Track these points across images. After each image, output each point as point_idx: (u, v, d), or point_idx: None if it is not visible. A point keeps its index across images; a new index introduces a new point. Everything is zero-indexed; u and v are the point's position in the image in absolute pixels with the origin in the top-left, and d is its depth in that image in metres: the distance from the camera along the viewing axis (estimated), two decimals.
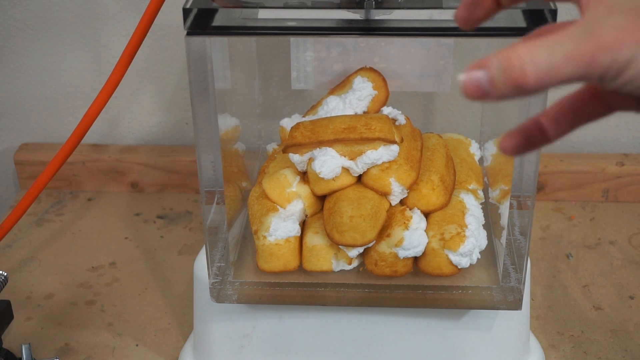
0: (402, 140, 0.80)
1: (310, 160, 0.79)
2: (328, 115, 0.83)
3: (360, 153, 0.78)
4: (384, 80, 0.86)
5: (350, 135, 0.78)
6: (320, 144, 0.78)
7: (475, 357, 0.84)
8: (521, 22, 0.69)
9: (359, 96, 0.84)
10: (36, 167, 1.19)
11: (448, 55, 0.88)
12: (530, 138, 0.47)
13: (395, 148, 0.78)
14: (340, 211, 0.77)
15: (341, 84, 0.88)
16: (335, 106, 0.84)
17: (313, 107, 0.90)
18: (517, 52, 0.40)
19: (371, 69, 0.87)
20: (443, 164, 0.83)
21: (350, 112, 0.84)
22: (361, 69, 0.87)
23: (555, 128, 0.47)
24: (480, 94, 0.41)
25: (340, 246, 0.79)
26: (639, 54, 0.39)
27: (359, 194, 0.78)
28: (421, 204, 0.81)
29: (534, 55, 0.40)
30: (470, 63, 0.42)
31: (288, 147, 0.80)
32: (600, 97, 0.46)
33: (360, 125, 0.78)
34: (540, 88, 0.40)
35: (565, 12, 1.08)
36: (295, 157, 0.81)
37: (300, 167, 0.81)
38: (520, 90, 0.40)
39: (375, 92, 0.85)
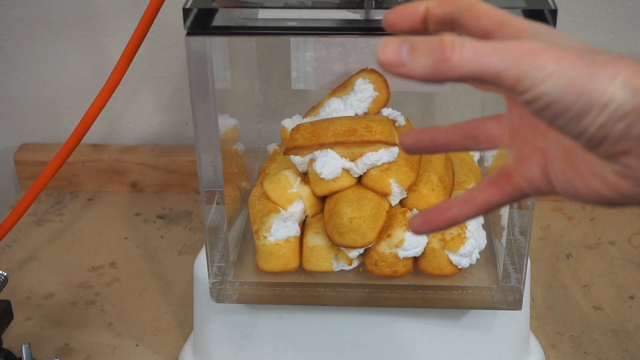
0: None
1: (311, 161, 0.79)
2: (329, 116, 0.83)
3: (361, 155, 0.78)
4: (385, 81, 0.86)
5: (350, 138, 0.78)
6: (321, 146, 0.78)
7: (475, 357, 0.84)
8: None
9: (360, 98, 0.84)
10: (36, 167, 1.19)
11: None
12: (422, 144, 0.49)
13: (395, 150, 0.78)
14: (340, 212, 0.77)
15: (342, 85, 0.88)
16: (336, 107, 0.84)
17: (314, 108, 0.90)
18: (451, 36, 0.40)
19: (372, 71, 0.87)
20: (442, 164, 0.83)
21: (351, 113, 0.84)
22: (362, 70, 0.87)
23: (443, 145, 0.49)
24: (396, 62, 0.40)
25: (340, 247, 0.79)
26: (558, 71, 0.39)
27: (359, 195, 0.78)
28: (421, 205, 0.81)
29: (465, 40, 0.39)
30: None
31: (289, 149, 0.80)
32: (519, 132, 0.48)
33: (360, 127, 0.78)
34: (461, 72, 0.39)
35: (565, 12, 1.08)
36: (296, 159, 0.81)
37: (301, 168, 0.81)
38: (441, 68, 0.39)
39: (377, 93, 0.85)
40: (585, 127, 0.40)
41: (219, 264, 0.81)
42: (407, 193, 0.80)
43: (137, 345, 0.93)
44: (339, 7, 0.72)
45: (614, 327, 0.94)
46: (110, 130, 1.22)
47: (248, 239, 0.87)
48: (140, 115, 1.20)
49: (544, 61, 0.40)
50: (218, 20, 0.70)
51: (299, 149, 0.80)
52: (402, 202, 0.82)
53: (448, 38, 0.39)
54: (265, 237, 0.79)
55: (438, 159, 0.83)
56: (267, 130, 1.08)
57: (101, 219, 1.15)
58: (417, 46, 0.40)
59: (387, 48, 0.40)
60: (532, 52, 0.40)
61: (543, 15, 0.68)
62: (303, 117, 0.90)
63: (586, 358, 0.90)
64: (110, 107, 1.18)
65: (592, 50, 0.42)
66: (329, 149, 0.78)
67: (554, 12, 0.68)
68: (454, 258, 0.79)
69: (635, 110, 0.39)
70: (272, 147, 0.95)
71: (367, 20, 0.71)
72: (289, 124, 0.90)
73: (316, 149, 0.79)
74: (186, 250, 1.08)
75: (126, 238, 1.11)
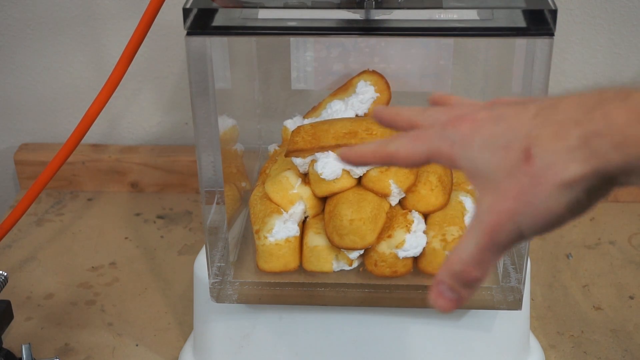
0: None
1: (312, 162, 0.79)
2: (331, 117, 0.83)
3: None
4: (386, 83, 0.86)
5: (351, 141, 0.78)
6: (322, 149, 0.78)
7: (475, 357, 0.84)
8: (521, 22, 0.69)
9: (362, 99, 0.84)
10: (36, 167, 1.19)
11: (448, 55, 0.88)
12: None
13: None
14: (340, 214, 0.77)
15: (344, 87, 0.88)
16: (338, 109, 0.84)
17: (314, 109, 0.90)
18: (450, 260, 0.48)
19: (374, 72, 0.87)
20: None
21: (351, 113, 0.84)
22: (364, 72, 0.87)
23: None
24: (454, 301, 0.49)
25: (340, 249, 0.79)
26: (519, 220, 0.45)
27: (359, 197, 0.78)
28: (420, 205, 0.81)
29: (460, 255, 0.48)
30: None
31: (290, 151, 0.80)
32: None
33: (361, 130, 0.78)
34: (483, 268, 0.47)
35: (565, 12, 1.08)
36: (297, 160, 0.81)
37: (302, 169, 0.81)
38: (473, 281, 0.48)
39: (378, 94, 0.85)
40: None
41: (219, 264, 0.81)
42: (406, 194, 0.80)
43: (137, 345, 0.93)
44: (339, 7, 0.72)
45: (614, 327, 0.94)
46: (110, 130, 1.22)
47: (248, 239, 0.87)
48: (140, 115, 1.20)
49: (502, 231, 0.47)
50: (218, 20, 0.70)
51: (299, 152, 0.80)
52: (402, 203, 0.82)
53: (456, 267, 0.48)
54: (265, 237, 0.79)
55: None
56: (267, 130, 1.08)
57: (101, 219, 1.15)
58: (448, 282, 0.49)
59: (439, 302, 0.49)
60: (493, 231, 0.46)
61: (543, 15, 0.68)
62: (304, 118, 0.90)
63: (586, 358, 0.90)
64: (110, 107, 1.18)
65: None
66: (329, 151, 0.78)
67: (554, 12, 0.68)
68: None
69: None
70: (272, 148, 0.95)
71: (367, 20, 0.71)
72: (290, 124, 0.90)
73: (317, 151, 0.79)
74: (186, 250, 1.08)
75: (126, 238, 1.11)
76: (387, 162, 0.52)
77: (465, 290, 0.49)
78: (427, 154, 0.50)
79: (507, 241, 0.46)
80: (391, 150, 0.51)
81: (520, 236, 0.46)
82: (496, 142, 0.46)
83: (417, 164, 0.51)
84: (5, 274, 0.84)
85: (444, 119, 0.50)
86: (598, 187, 0.43)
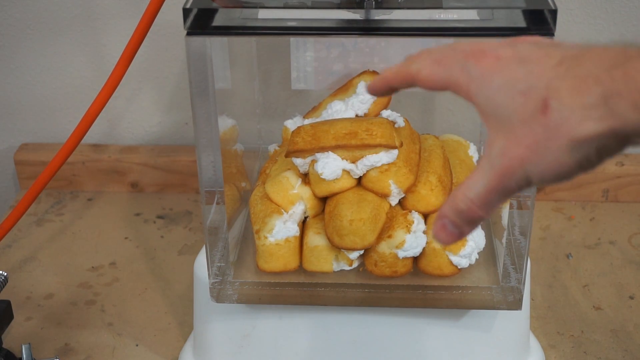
0: (401, 145, 0.80)
1: (313, 162, 0.79)
2: (331, 117, 0.83)
3: (361, 157, 0.78)
4: None
5: (351, 142, 0.78)
6: (322, 149, 0.78)
7: (475, 357, 0.84)
8: (521, 22, 0.69)
9: (362, 99, 0.85)
10: (36, 167, 1.19)
11: None
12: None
13: (395, 152, 0.78)
14: (340, 215, 0.77)
15: (344, 87, 0.88)
16: (338, 109, 0.84)
17: (315, 109, 0.90)
18: (456, 197, 0.49)
19: (374, 73, 0.87)
20: (440, 165, 0.83)
21: (351, 113, 0.84)
22: (364, 73, 0.87)
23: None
24: (456, 235, 0.50)
25: (340, 249, 0.79)
26: (529, 169, 0.45)
27: (359, 197, 0.78)
28: (420, 205, 0.81)
29: (467, 194, 0.49)
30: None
31: (290, 152, 0.80)
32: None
33: (361, 130, 0.78)
34: (488, 209, 0.49)
35: (565, 12, 1.08)
36: (297, 160, 0.81)
37: (303, 170, 0.81)
38: (475, 218, 0.49)
39: None
40: None
41: (219, 264, 0.81)
42: (406, 194, 0.80)
43: (137, 345, 0.93)
44: (339, 7, 0.72)
45: (614, 327, 0.94)
46: (110, 130, 1.22)
47: (248, 239, 0.87)
48: (140, 115, 1.20)
49: (514, 175, 0.48)
50: (218, 20, 0.70)
51: (300, 152, 0.80)
52: (402, 203, 0.82)
53: (461, 204, 0.49)
54: (266, 237, 0.79)
55: (437, 160, 0.83)
56: (267, 130, 1.08)
57: (101, 219, 1.15)
58: (450, 217, 0.50)
59: (439, 235, 0.51)
60: (505, 175, 0.47)
61: (543, 15, 0.69)
62: (304, 118, 0.90)
63: (586, 358, 0.90)
64: (110, 107, 1.18)
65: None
66: (330, 151, 0.78)
67: (554, 12, 0.68)
68: (454, 259, 0.79)
69: None
70: (272, 148, 0.95)
71: (367, 20, 0.71)
72: (291, 124, 0.90)
73: (317, 152, 0.79)
74: (186, 250, 1.08)
75: (126, 238, 1.11)
76: (410, 82, 0.52)
77: (467, 227, 0.50)
78: (445, 81, 0.50)
79: (515, 186, 0.47)
80: (412, 71, 0.51)
81: (528, 183, 0.47)
82: (516, 86, 0.46)
83: (436, 89, 0.51)
84: (5, 274, 0.84)
85: (468, 50, 0.49)
86: (610, 146, 0.43)
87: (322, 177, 0.78)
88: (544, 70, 0.45)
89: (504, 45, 0.48)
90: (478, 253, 0.80)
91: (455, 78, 0.49)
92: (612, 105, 0.42)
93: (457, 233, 0.50)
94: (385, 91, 0.55)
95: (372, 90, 0.55)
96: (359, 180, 0.80)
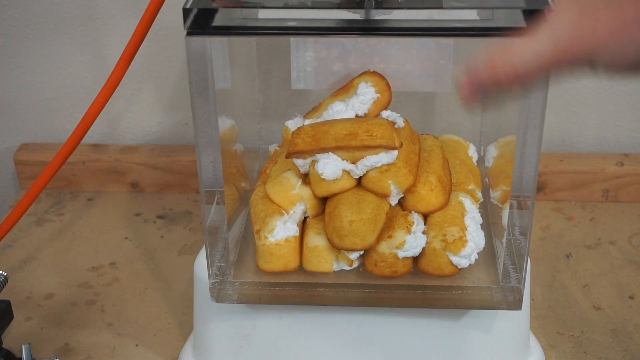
0: (401, 145, 0.80)
1: (313, 162, 0.79)
2: (332, 118, 0.83)
3: (361, 157, 0.78)
4: (387, 84, 0.86)
5: (351, 143, 0.78)
6: (322, 150, 0.78)
7: (475, 357, 0.84)
8: (521, 22, 0.69)
9: (362, 100, 0.85)
10: (36, 167, 1.19)
11: (448, 55, 0.88)
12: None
13: (394, 152, 0.78)
14: (340, 215, 0.77)
15: (344, 88, 0.88)
16: (339, 109, 0.84)
17: (315, 109, 0.90)
18: (498, 58, 0.44)
19: (375, 73, 0.87)
20: (440, 165, 0.83)
21: (351, 114, 0.84)
22: (364, 73, 0.87)
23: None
24: (479, 97, 0.45)
25: (340, 250, 0.79)
26: (600, 53, 0.41)
27: (358, 198, 0.78)
28: (420, 206, 0.81)
29: (512, 61, 0.43)
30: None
31: (290, 153, 0.81)
32: None
33: (361, 131, 0.78)
34: (524, 83, 0.43)
35: None
36: (298, 161, 0.81)
37: (303, 170, 0.81)
38: (507, 88, 0.43)
39: (378, 95, 0.85)
40: None
41: (219, 264, 0.81)
42: (406, 194, 0.80)
43: (137, 345, 0.93)
44: (339, 7, 0.72)
45: (614, 327, 0.94)
46: (110, 130, 1.22)
47: (248, 239, 0.87)
48: (140, 115, 1.20)
49: (575, 56, 0.43)
50: (218, 20, 0.70)
51: (300, 153, 0.80)
52: (402, 204, 0.82)
53: (497, 61, 0.45)
54: (266, 238, 0.80)
55: (436, 160, 0.83)
56: (267, 130, 1.08)
57: (101, 219, 1.15)
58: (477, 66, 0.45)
59: (465, 91, 0.46)
60: (564, 54, 0.42)
61: (543, 15, 0.68)
62: (304, 118, 0.90)
63: (586, 358, 0.90)
64: (110, 107, 1.18)
65: None
66: (330, 152, 0.78)
67: None
68: (454, 259, 0.79)
69: None
70: (272, 148, 0.95)
71: (367, 20, 0.71)
72: (292, 124, 0.90)
73: (317, 153, 0.79)
74: (186, 250, 1.08)
75: (126, 238, 1.11)
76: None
77: (494, 92, 0.45)
78: None
79: (567, 69, 0.42)
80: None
81: (583, 69, 0.42)
82: None
83: None
84: (5, 274, 0.84)
85: None
86: None
87: (323, 177, 0.78)
88: None
89: None
90: (478, 253, 0.80)
91: None
92: None
93: (482, 94, 0.45)
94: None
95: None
96: (359, 180, 0.80)
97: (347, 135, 0.78)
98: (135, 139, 1.22)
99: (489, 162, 0.93)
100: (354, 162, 0.78)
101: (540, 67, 0.42)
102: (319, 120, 0.85)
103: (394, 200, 0.80)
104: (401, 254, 0.78)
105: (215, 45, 0.74)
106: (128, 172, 1.19)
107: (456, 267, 0.79)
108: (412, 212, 0.80)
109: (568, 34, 0.41)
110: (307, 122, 0.86)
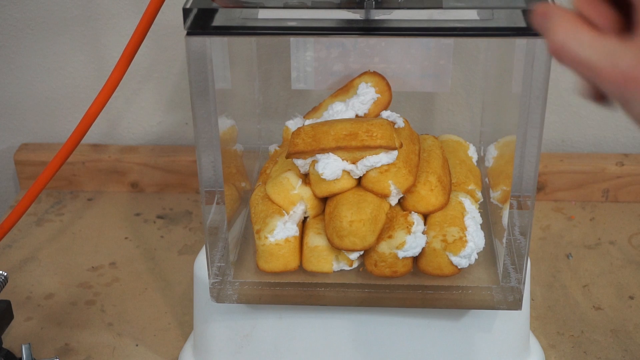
0: (401, 145, 0.80)
1: (313, 162, 0.79)
2: (332, 118, 0.83)
3: (361, 158, 0.78)
4: (387, 84, 0.86)
5: (351, 143, 0.78)
6: (322, 151, 0.78)
7: (475, 357, 0.84)
8: (521, 22, 0.69)
9: (362, 100, 0.85)
10: (36, 167, 1.20)
11: (448, 55, 0.88)
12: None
13: (394, 152, 0.78)
14: (340, 216, 0.77)
15: (345, 88, 0.88)
16: (339, 110, 0.84)
17: (315, 109, 0.90)
18: (564, 16, 0.43)
19: (375, 73, 0.87)
20: (439, 165, 0.83)
21: (351, 114, 0.84)
22: (365, 73, 0.87)
23: None
24: (545, 20, 0.44)
25: (340, 250, 0.79)
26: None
27: (358, 198, 0.79)
28: (420, 206, 0.81)
29: (573, 40, 0.42)
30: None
31: (290, 154, 0.81)
32: None
33: (361, 132, 0.78)
34: (567, 62, 0.43)
35: None
36: (298, 161, 0.81)
37: (303, 170, 0.81)
38: (564, 61, 0.43)
39: (378, 95, 0.85)
40: None
41: (219, 264, 0.82)
42: (406, 194, 0.80)
43: (137, 345, 0.93)
44: (339, 7, 0.72)
45: (614, 327, 0.94)
46: (110, 130, 1.22)
47: (248, 239, 0.87)
48: (140, 115, 1.20)
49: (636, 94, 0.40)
50: (218, 20, 0.70)
51: (300, 154, 0.80)
52: (402, 204, 0.82)
53: (560, 34, 0.44)
54: (266, 238, 0.80)
55: (436, 160, 0.83)
56: (267, 130, 1.08)
57: (101, 219, 1.15)
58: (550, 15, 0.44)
59: (538, 18, 0.45)
60: (627, 83, 0.40)
61: None
62: (304, 118, 0.90)
63: (586, 358, 0.90)
64: (110, 107, 1.18)
65: None
66: (330, 152, 0.78)
67: None
68: (454, 259, 0.79)
69: None
70: (272, 148, 0.95)
71: (367, 20, 0.71)
72: (292, 124, 0.90)
73: (317, 153, 0.79)
74: (186, 250, 1.08)
75: (126, 238, 1.11)
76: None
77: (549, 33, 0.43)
78: None
79: (601, 95, 0.41)
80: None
81: (620, 107, 0.40)
82: None
83: None
84: (5, 274, 0.84)
85: None
86: None
87: (323, 177, 0.78)
88: None
89: None
90: (478, 253, 0.80)
91: None
92: None
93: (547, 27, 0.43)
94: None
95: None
96: (359, 180, 0.80)
97: (347, 135, 0.78)
98: (135, 139, 1.22)
99: (489, 162, 0.93)
100: (354, 162, 0.78)
101: (582, 69, 0.41)
102: (319, 120, 0.85)
103: (394, 201, 0.80)
104: (401, 254, 0.78)
105: (215, 45, 0.74)
106: (128, 172, 1.19)
107: (456, 267, 0.79)
108: (412, 212, 0.81)
109: (634, 65, 0.40)
110: (307, 122, 0.86)
